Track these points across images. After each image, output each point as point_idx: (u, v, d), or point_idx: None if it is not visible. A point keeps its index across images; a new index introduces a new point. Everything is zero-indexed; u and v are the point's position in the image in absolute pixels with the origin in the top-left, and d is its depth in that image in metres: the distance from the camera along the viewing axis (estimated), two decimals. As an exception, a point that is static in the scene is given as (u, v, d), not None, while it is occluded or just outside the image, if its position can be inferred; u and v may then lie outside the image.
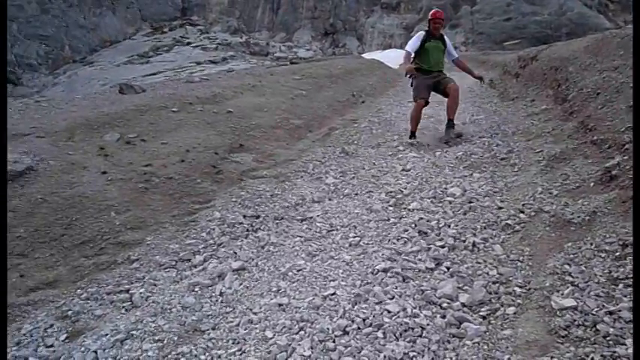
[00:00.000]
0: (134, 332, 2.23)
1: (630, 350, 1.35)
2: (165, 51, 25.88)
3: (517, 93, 7.47)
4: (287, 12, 34.22)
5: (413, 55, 5.59)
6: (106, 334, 2.26)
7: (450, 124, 5.41)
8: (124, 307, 2.55)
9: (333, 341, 1.89)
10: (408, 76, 5.61)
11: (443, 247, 2.45)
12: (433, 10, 5.82)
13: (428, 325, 1.86)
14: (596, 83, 4.60)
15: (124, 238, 3.42)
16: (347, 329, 1.93)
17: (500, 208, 2.87)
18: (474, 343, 1.74)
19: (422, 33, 5.61)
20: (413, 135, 5.48)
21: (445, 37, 5.70)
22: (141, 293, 2.63)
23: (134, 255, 3.20)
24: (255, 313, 2.22)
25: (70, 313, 2.54)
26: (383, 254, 2.51)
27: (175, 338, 2.11)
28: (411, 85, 5.70)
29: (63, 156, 4.45)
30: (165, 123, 5.58)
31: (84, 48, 27.37)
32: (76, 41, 27.11)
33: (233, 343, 2.03)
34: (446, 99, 5.55)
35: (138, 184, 4.15)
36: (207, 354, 2.01)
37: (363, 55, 20.54)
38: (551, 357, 1.47)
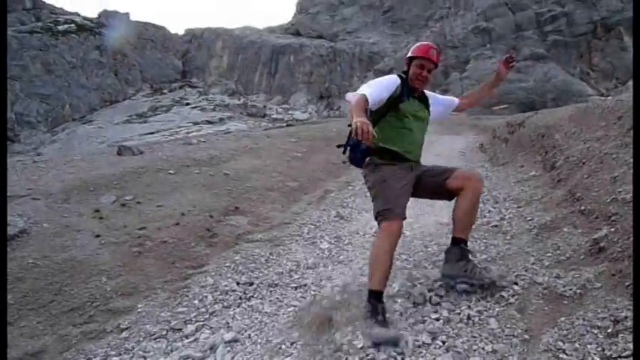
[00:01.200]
0: (120, 410, 2.14)
1: None
2: (164, 111, 26.57)
3: (507, 158, 7.68)
4: (284, 76, 35.64)
5: (371, 109, 2.63)
6: (91, 413, 2.17)
7: (463, 251, 2.72)
8: (110, 381, 2.46)
9: (327, 422, 1.82)
10: (355, 135, 2.21)
11: (438, 319, 2.44)
12: (422, 44, 2.94)
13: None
14: (582, 152, 4.78)
15: (115, 305, 3.37)
16: (341, 409, 1.87)
17: (500, 277, 2.87)
18: None
19: (395, 79, 2.83)
20: (379, 303, 2.44)
21: (430, 98, 3.03)
22: (129, 367, 2.56)
23: (124, 323, 3.14)
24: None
25: (53, 388, 2.44)
26: (378, 326, 2.47)
27: (163, 418, 2.03)
28: (367, 183, 2.85)
29: (57, 218, 4.48)
30: (162, 185, 5.65)
31: (84, 107, 28.07)
32: (76, 100, 27.85)
33: None
34: (447, 200, 2.95)
35: (131, 247, 4.14)
36: None
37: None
38: None
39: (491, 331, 2.25)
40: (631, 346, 1.70)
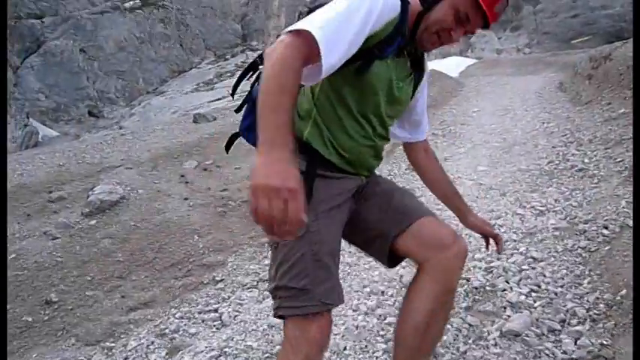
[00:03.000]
0: (227, 350, 2.41)
1: None
2: (229, 77, 27.19)
3: (591, 96, 7.08)
4: (342, 29, 34.80)
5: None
6: (202, 351, 2.46)
7: None
8: (214, 325, 2.76)
9: None
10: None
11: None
12: None
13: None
14: (681, 83, 4.31)
15: (208, 260, 3.69)
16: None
17: (586, 222, 2.77)
18: None
19: (394, 7, 1.18)
20: None
21: (426, 65, 1.45)
22: (229, 313, 2.83)
23: (218, 276, 3.45)
24: (335, 334, 2.33)
25: (167, 331, 2.78)
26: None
27: (265, 356, 2.26)
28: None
29: (150, 185, 4.89)
30: (237, 149, 5.84)
31: (155, 79, 29.44)
32: (148, 74, 29.27)
33: None
34: (384, 265, 1.49)
35: (217, 208, 4.46)
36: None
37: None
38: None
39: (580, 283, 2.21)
40: None
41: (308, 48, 1.02)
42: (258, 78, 1.35)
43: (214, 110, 11.68)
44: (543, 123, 6.15)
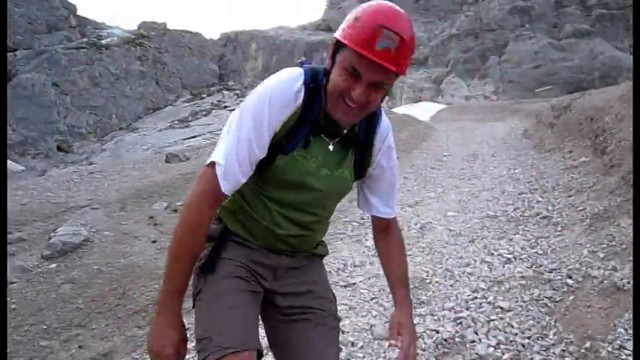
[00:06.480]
0: (189, 406, 2.28)
1: None
2: (204, 115, 27.31)
3: (553, 144, 7.43)
4: (318, 72, 35.76)
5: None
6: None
7: None
8: (177, 379, 2.62)
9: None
10: None
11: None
12: (372, 11, 1.08)
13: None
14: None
15: (175, 307, 3.55)
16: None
17: (551, 271, 2.83)
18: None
19: (293, 98, 1.15)
20: None
21: (378, 134, 1.28)
22: (193, 365, 2.71)
23: (186, 322, 3.31)
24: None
25: (126, 385, 2.63)
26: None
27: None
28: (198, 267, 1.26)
29: (116, 226, 4.75)
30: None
31: (129, 116, 29.30)
32: (122, 110, 29.13)
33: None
34: None
35: (185, 251, 4.34)
36: None
37: (392, 110, 20.97)
38: None
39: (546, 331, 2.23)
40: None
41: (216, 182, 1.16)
42: None
43: (188, 148, 11.63)
44: (510, 169, 6.36)
